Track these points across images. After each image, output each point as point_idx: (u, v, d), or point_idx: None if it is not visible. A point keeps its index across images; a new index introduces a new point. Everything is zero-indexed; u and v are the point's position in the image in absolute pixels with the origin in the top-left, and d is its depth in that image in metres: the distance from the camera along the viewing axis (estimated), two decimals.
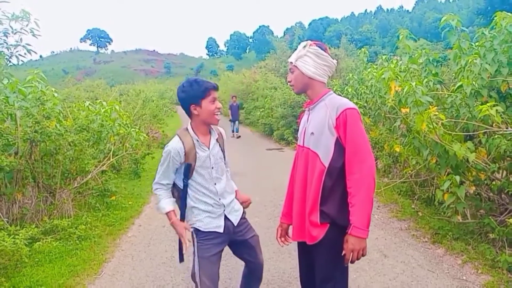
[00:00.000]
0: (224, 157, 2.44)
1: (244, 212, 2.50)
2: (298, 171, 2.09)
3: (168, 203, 2.31)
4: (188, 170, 2.24)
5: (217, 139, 2.36)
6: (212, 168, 2.30)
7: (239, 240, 2.43)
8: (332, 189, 1.91)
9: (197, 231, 2.30)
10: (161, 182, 2.34)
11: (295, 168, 2.19)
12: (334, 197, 1.92)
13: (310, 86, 2.02)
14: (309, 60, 1.97)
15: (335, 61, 2.05)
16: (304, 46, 1.99)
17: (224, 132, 2.51)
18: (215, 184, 2.31)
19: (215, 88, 2.23)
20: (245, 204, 2.57)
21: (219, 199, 2.32)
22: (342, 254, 1.88)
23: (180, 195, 2.33)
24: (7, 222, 4.02)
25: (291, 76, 2.05)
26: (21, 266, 3.57)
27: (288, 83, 2.13)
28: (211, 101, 2.21)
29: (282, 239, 2.31)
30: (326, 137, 1.91)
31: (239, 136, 14.95)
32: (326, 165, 1.91)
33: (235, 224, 2.37)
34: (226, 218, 2.34)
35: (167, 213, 2.30)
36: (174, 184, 2.37)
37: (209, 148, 2.30)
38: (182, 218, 2.34)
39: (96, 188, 5.70)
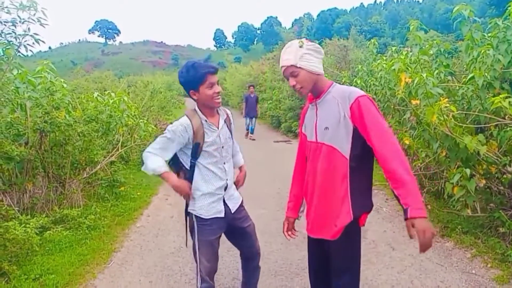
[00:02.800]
0: (232, 136, 2.49)
1: (242, 201, 2.55)
2: (314, 168, 2.02)
3: (160, 162, 2.20)
4: (196, 150, 2.25)
5: (225, 120, 2.40)
6: (223, 147, 2.34)
7: (237, 227, 2.48)
8: (358, 179, 1.89)
9: (198, 217, 2.33)
10: (154, 152, 2.23)
11: (300, 163, 2.21)
12: (360, 188, 1.91)
13: (316, 83, 1.97)
14: (311, 58, 1.91)
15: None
16: (301, 46, 1.91)
17: (231, 114, 2.53)
18: (224, 163, 2.36)
19: (212, 72, 2.18)
20: (240, 182, 2.63)
21: (226, 179, 2.37)
22: (414, 238, 1.67)
23: (186, 176, 2.33)
24: (18, 211, 4.08)
25: (295, 80, 1.93)
26: (32, 254, 3.62)
27: (293, 88, 1.98)
28: (209, 87, 2.18)
29: (289, 232, 2.30)
30: (342, 129, 1.86)
31: (254, 139, 12.18)
32: (347, 156, 1.88)
33: (232, 211, 2.41)
34: (224, 203, 2.38)
35: (163, 174, 2.19)
36: (181, 166, 2.37)
37: (218, 128, 2.33)
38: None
39: (105, 178, 5.75)
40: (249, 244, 2.57)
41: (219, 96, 2.25)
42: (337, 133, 1.88)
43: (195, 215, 2.33)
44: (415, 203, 1.66)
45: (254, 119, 12.40)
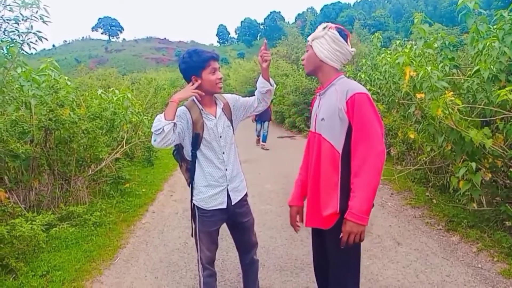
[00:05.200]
0: (233, 127, 2.44)
1: (246, 195, 2.52)
2: (311, 158, 2.05)
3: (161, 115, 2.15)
4: (196, 140, 2.26)
5: (222, 109, 2.36)
6: (221, 137, 2.33)
7: (237, 221, 2.48)
8: (349, 175, 1.85)
9: (199, 208, 2.36)
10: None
11: (307, 153, 2.17)
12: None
13: (320, 69, 1.99)
14: (324, 43, 1.94)
15: (353, 50, 2.00)
16: (324, 28, 1.96)
17: (234, 98, 2.45)
18: (223, 153, 2.33)
19: (215, 58, 2.21)
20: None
21: (226, 169, 2.34)
22: (340, 237, 1.84)
23: (189, 167, 2.36)
24: (25, 209, 4.11)
25: (305, 55, 2.05)
26: (38, 251, 3.65)
27: (302, 61, 2.11)
28: (211, 72, 2.20)
29: (296, 222, 2.28)
30: (337, 123, 1.87)
31: (267, 149, 9.98)
32: (340, 151, 1.88)
33: (233, 203, 2.39)
34: (228, 194, 2.37)
35: (170, 105, 2.11)
36: (183, 157, 2.39)
37: (215, 117, 2.31)
38: (191, 190, 2.41)
39: (110, 175, 5.78)
40: (245, 239, 2.58)
41: (221, 82, 2.27)
42: (332, 126, 1.89)
43: (197, 206, 2.37)
44: (355, 207, 1.77)
45: (266, 123, 10.15)
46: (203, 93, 2.22)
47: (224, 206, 2.36)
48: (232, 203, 2.39)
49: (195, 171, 2.34)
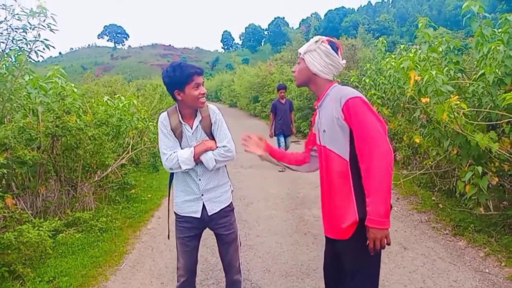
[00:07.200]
0: (216, 139, 2.37)
1: (229, 207, 2.45)
2: (322, 171, 2.05)
3: (181, 152, 2.26)
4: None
5: (200, 121, 2.33)
6: None
7: (215, 233, 2.47)
8: (360, 180, 1.84)
9: (175, 213, 2.43)
10: (169, 152, 2.28)
11: (320, 166, 2.13)
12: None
13: (313, 82, 2.01)
14: (316, 57, 1.96)
15: (343, 62, 2.02)
16: (316, 41, 1.97)
17: (216, 110, 2.39)
18: (196, 164, 2.31)
19: (199, 73, 2.19)
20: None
21: (199, 179, 2.34)
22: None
23: (169, 176, 2.44)
24: (32, 215, 4.13)
25: (297, 67, 2.05)
26: (45, 257, 3.67)
27: (292, 73, 2.12)
28: (195, 87, 2.19)
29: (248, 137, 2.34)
30: (338, 131, 1.87)
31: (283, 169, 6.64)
32: (347, 158, 1.87)
33: (209, 214, 2.37)
34: (204, 205, 2.36)
35: (195, 154, 2.25)
36: None
37: (192, 129, 2.32)
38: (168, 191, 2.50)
39: (116, 181, 5.81)
40: (223, 253, 2.51)
41: (204, 97, 2.26)
42: (334, 135, 1.89)
43: (174, 211, 2.42)
44: (373, 212, 1.75)
45: (288, 138, 7.84)
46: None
47: (198, 215, 2.36)
48: (209, 214, 2.37)
49: (173, 174, 2.40)
